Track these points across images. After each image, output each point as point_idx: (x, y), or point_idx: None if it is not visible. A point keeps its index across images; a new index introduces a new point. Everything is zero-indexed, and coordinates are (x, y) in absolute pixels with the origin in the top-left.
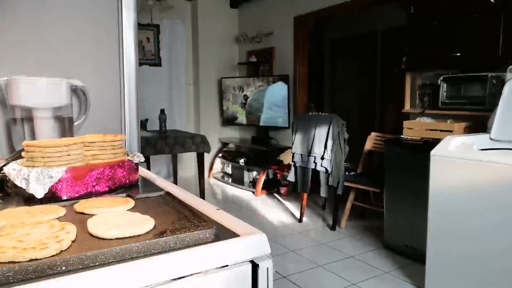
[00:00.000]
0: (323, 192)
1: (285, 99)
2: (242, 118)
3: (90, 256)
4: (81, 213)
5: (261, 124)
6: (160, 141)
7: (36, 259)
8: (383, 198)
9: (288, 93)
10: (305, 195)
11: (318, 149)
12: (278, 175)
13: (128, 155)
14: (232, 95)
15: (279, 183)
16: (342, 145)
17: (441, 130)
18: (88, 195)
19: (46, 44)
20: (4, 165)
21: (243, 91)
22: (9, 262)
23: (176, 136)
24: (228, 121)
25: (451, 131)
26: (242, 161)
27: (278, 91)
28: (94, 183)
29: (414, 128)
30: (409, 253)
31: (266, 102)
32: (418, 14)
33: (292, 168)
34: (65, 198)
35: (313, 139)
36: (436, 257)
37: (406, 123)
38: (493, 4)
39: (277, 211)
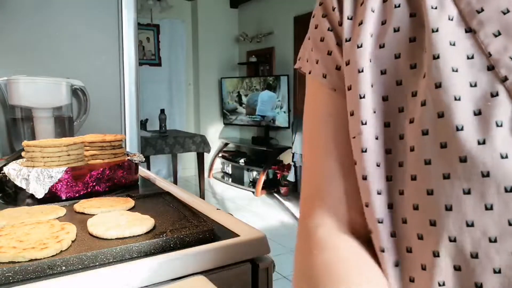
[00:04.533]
0: None
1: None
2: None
3: (90, 256)
4: (81, 213)
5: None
6: (160, 141)
7: (36, 259)
8: None
9: (287, 93)
10: None
11: None
12: (278, 175)
13: (128, 155)
14: (229, 96)
15: (279, 183)
16: None
17: None
18: (88, 195)
19: (46, 44)
20: (4, 165)
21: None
22: (9, 262)
23: (176, 136)
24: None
25: None
26: (242, 161)
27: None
28: (94, 183)
29: None
30: None
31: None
32: None
33: (292, 168)
34: (65, 198)
35: None
36: None
37: None
38: None
39: (277, 211)
